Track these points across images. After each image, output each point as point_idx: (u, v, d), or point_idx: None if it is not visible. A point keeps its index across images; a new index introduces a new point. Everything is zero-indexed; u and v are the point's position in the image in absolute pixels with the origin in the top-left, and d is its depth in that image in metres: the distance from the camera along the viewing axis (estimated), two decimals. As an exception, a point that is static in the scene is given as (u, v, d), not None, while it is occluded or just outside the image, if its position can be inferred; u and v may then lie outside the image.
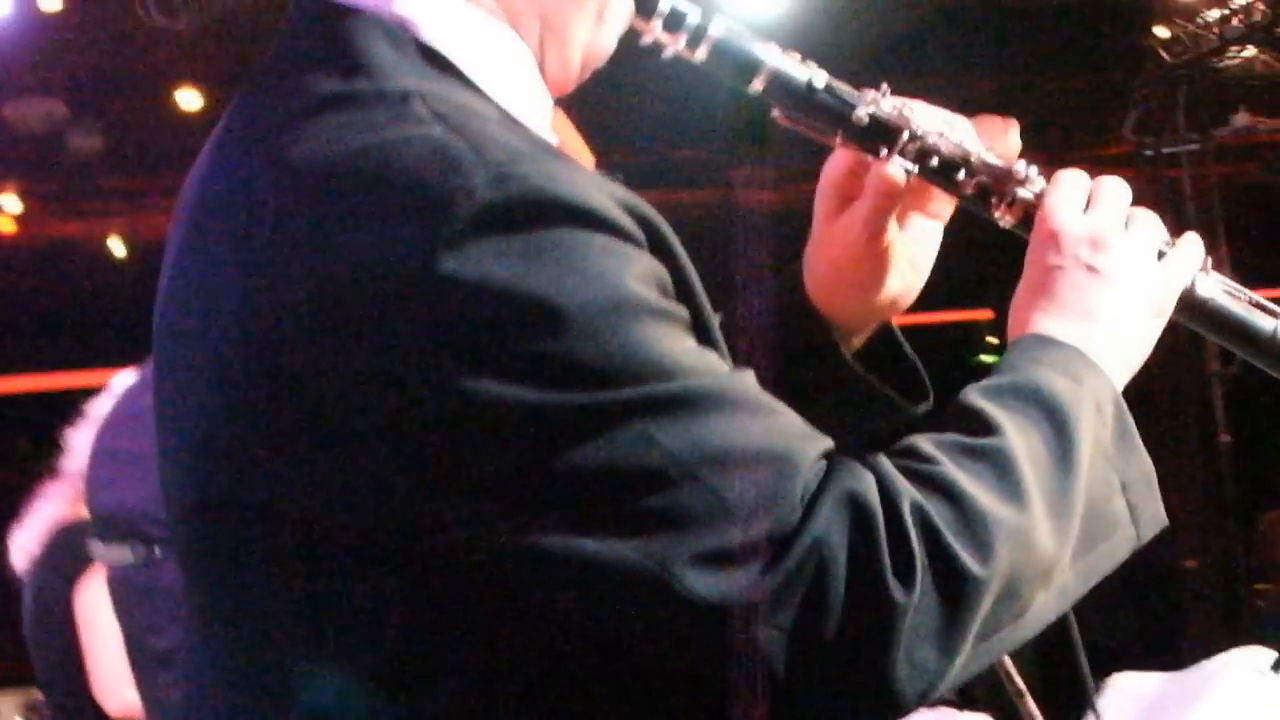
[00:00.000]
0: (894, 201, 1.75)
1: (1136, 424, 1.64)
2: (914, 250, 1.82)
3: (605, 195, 1.42)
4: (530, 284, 1.36)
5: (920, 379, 1.85)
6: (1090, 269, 1.67)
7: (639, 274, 1.41)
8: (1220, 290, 1.77)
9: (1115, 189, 1.73)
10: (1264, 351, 1.78)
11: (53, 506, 4.28)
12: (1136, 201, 1.75)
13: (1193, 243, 1.76)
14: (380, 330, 1.37)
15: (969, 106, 1.80)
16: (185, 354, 1.51)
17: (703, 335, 1.48)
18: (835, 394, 1.79)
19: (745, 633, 1.38)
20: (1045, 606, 1.53)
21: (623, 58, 1.66)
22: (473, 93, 1.51)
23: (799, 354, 1.80)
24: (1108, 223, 1.69)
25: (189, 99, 8.14)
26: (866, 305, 1.81)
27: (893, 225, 1.77)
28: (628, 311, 1.39)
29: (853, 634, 1.40)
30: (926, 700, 1.45)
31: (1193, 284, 1.75)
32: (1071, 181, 1.73)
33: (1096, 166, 1.77)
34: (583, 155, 1.68)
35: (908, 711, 1.43)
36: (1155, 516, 1.65)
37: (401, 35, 1.51)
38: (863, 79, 1.75)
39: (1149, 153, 8.47)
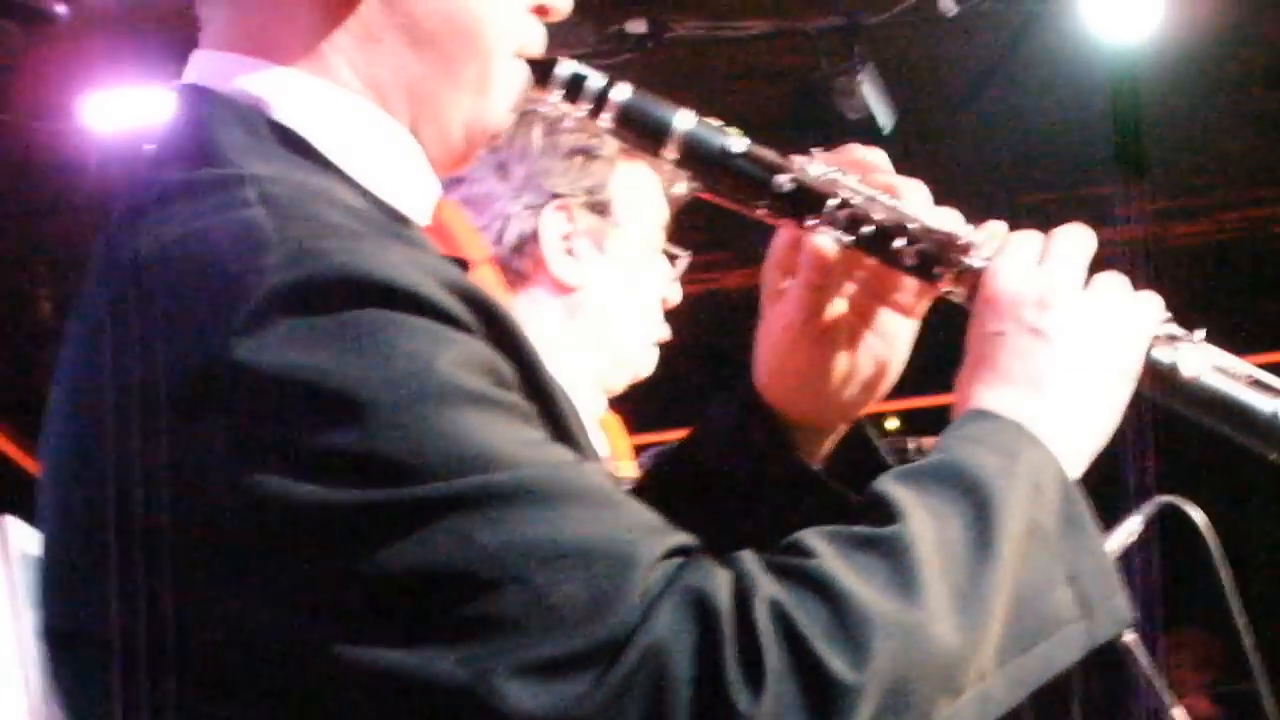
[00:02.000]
0: (824, 276, 1.59)
1: None
2: (879, 347, 1.65)
3: (431, 277, 1.31)
4: (328, 370, 1.25)
5: None
6: (1034, 331, 1.50)
7: (458, 359, 1.29)
8: (1209, 367, 1.56)
9: (1070, 243, 1.56)
10: (1261, 435, 1.56)
11: None
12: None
13: (1149, 300, 1.57)
14: (178, 428, 1.27)
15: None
16: (43, 463, 1.44)
17: (553, 427, 1.36)
18: (799, 502, 1.62)
19: None
20: (955, 716, 1.34)
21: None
22: (326, 174, 1.43)
23: (752, 455, 1.66)
24: (1055, 280, 1.52)
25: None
26: (819, 399, 1.65)
27: (839, 312, 1.62)
28: (439, 399, 1.26)
29: None
30: None
31: (1174, 362, 1.56)
32: (1020, 241, 1.56)
33: None
34: (468, 240, 1.60)
35: None
36: (1116, 610, 1.46)
37: (255, 117, 1.44)
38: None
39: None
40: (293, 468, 1.24)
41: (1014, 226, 1.60)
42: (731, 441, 1.67)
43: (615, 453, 2.55)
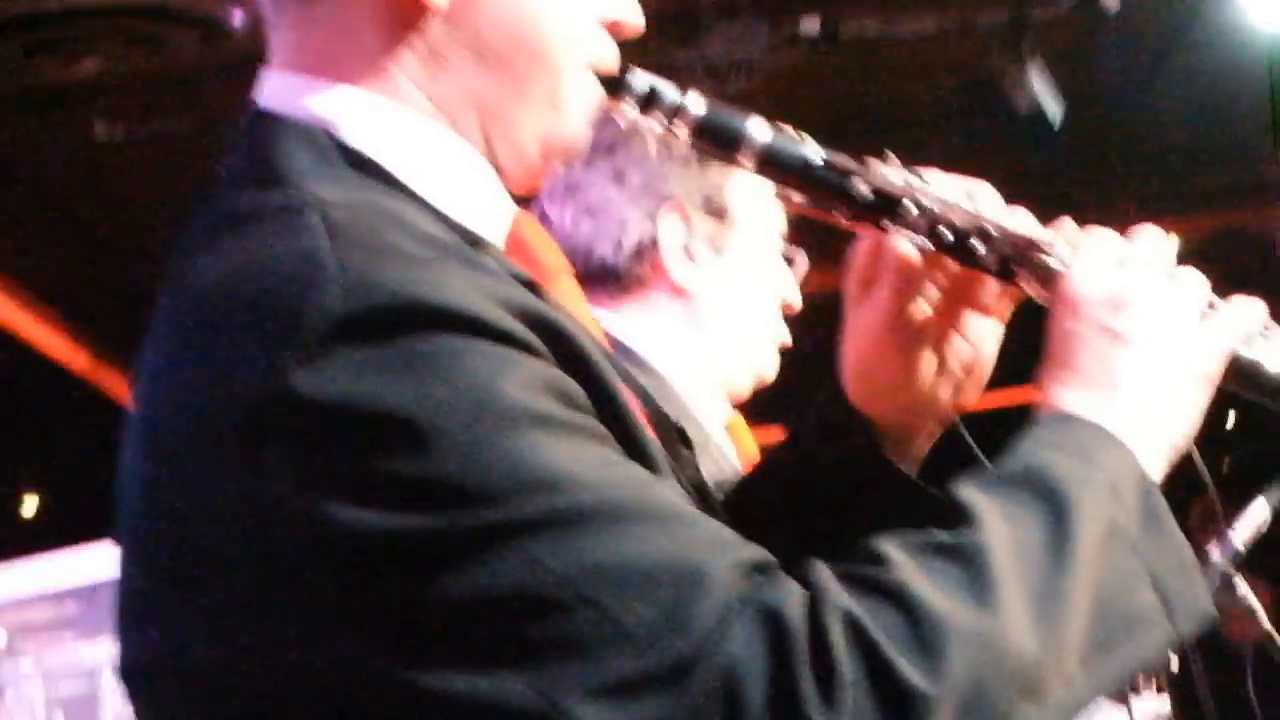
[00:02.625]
0: (909, 281, 1.60)
1: None
2: (965, 349, 1.66)
3: (495, 301, 1.31)
4: (389, 398, 1.25)
5: None
6: (1112, 333, 1.49)
7: (523, 381, 1.29)
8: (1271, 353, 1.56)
9: (1150, 244, 1.56)
10: None
11: None
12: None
13: (1243, 302, 1.57)
14: (242, 461, 1.28)
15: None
16: (120, 496, 1.45)
17: (629, 447, 1.37)
18: (894, 506, 1.62)
19: None
20: (1039, 719, 1.33)
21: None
22: (397, 196, 1.43)
23: (845, 463, 1.67)
24: (1134, 282, 1.52)
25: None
26: (908, 403, 1.66)
27: (923, 316, 1.63)
28: (503, 422, 1.26)
29: None
30: None
31: (1258, 359, 1.56)
32: (1098, 241, 1.56)
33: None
34: (549, 255, 1.61)
35: None
36: (1195, 607, 1.45)
37: (323, 141, 1.44)
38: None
39: None
40: (358, 497, 1.25)
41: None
42: (825, 448, 1.69)
43: (743, 454, 2.56)
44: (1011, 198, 1.61)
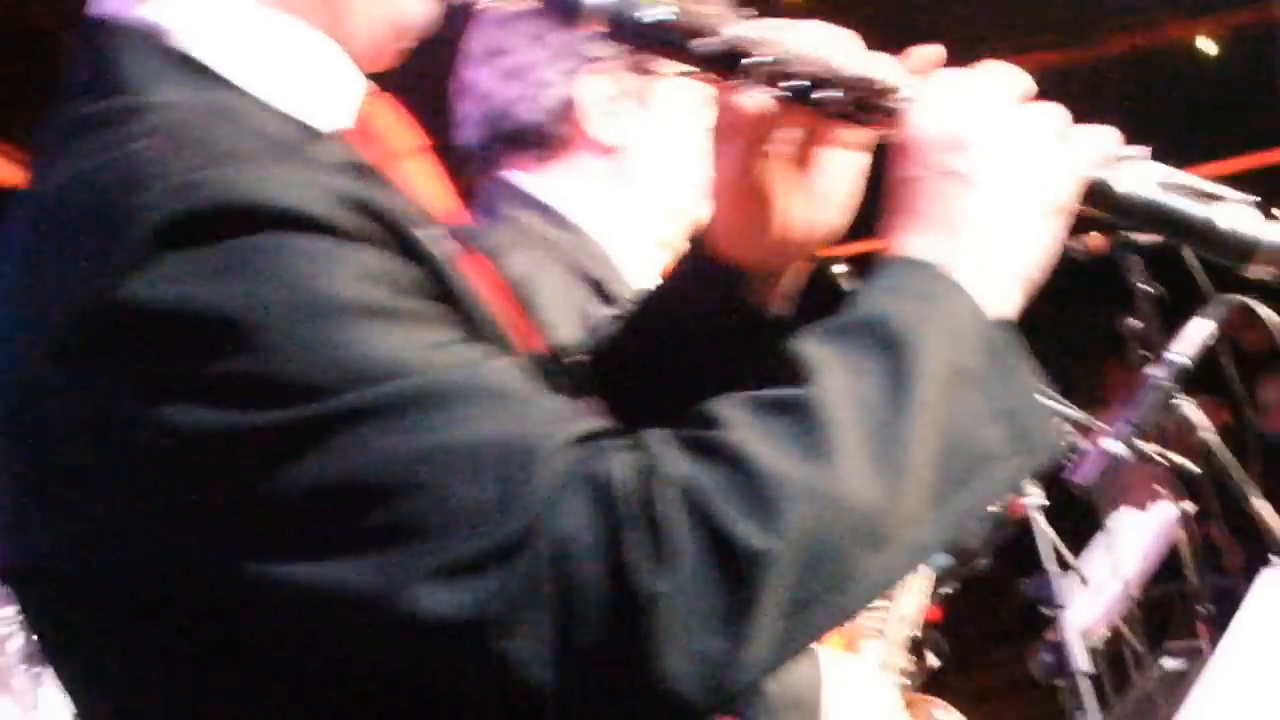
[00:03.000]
0: (761, 130, 1.60)
1: None
2: (828, 187, 1.66)
3: (322, 194, 1.33)
4: (215, 299, 1.28)
5: None
6: (953, 174, 1.49)
7: (351, 272, 1.31)
8: (1147, 181, 1.56)
9: (996, 79, 1.54)
10: (1201, 241, 1.56)
11: None
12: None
13: (1097, 130, 1.55)
14: (81, 369, 1.32)
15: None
16: None
17: (464, 324, 1.40)
18: (760, 348, 1.60)
19: (496, 647, 1.27)
20: (886, 566, 1.36)
21: None
22: (233, 94, 1.44)
23: (705, 303, 1.69)
24: (975, 120, 1.50)
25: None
26: (772, 245, 1.66)
27: (781, 161, 1.63)
28: (331, 314, 1.29)
29: (611, 634, 1.26)
30: (727, 693, 1.29)
31: (1107, 178, 1.55)
32: (942, 80, 1.55)
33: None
34: (397, 136, 1.62)
35: (701, 710, 1.29)
36: (1048, 440, 1.47)
37: (157, 44, 1.45)
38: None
39: None
40: (191, 398, 1.28)
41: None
42: (687, 298, 1.71)
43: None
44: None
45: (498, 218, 2.53)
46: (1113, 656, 3.79)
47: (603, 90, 2.51)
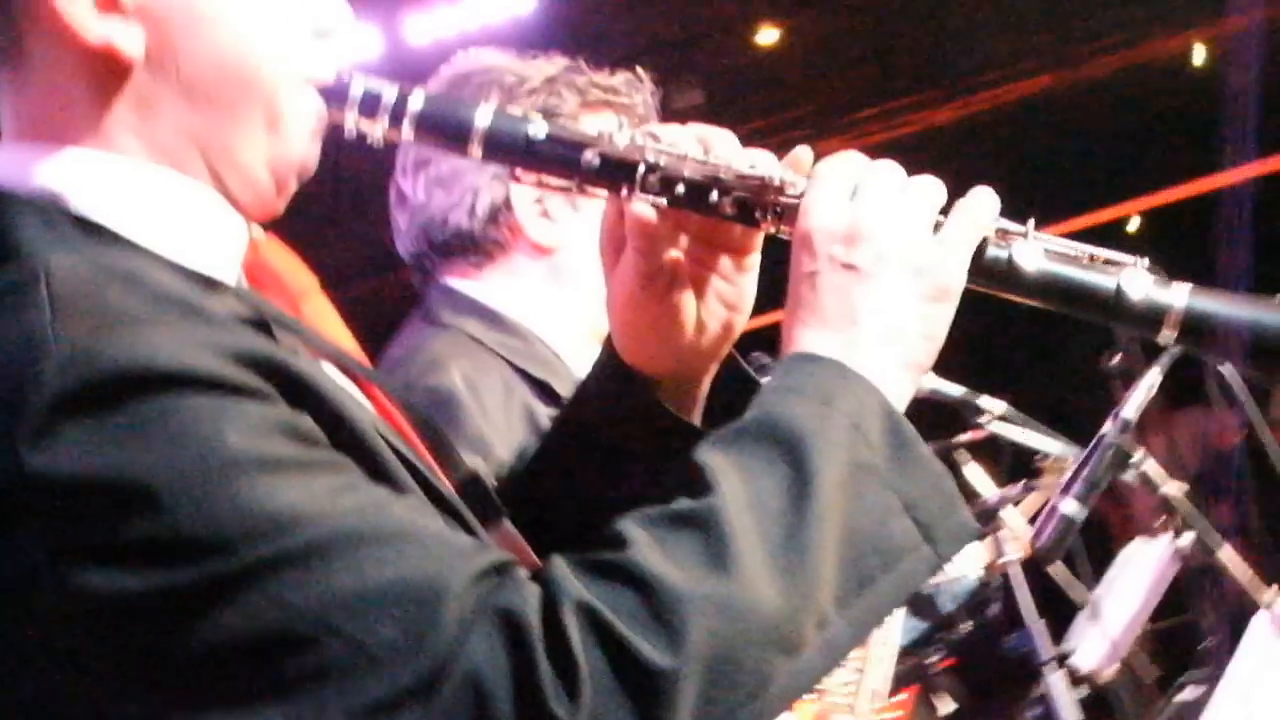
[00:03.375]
0: (654, 239, 1.60)
1: None
2: (725, 289, 1.66)
3: (213, 351, 1.35)
4: (117, 465, 1.30)
5: None
6: (847, 267, 1.49)
7: (246, 426, 1.33)
8: (1043, 254, 1.54)
9: (884, 170, 1.54)
10: (1112, 313, 1.54)
11: None
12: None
13: (976, 203, 1.54)
14: None
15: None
16: None
17: (367, 467, 1.40)
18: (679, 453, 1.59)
19: None
20: (800, 669, 1.36)
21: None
22: (129, 252, 1.46)
23: (623, 416, 1.68)
24: (867, 210, 1.50)
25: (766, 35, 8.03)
26: (678, 351, 1.66)
27: (675, 268, 1.63)
28: (230, 470, 1.31)
29: None
30: None
31: (1010, 254, 1.54)
32: (830, 173, 1.55)
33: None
34: (296, 276, 1.62)
35: None
36: (958, 528, 1.46)
37: (50, 209, 1.46)
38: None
39: None
40: (105, 561, 1.30)
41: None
42: (605, 407, 1.70)
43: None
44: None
45: (440, 325, 2.53)
46: (1135, 687, 3.75)
47: (533, 192, 2.50)
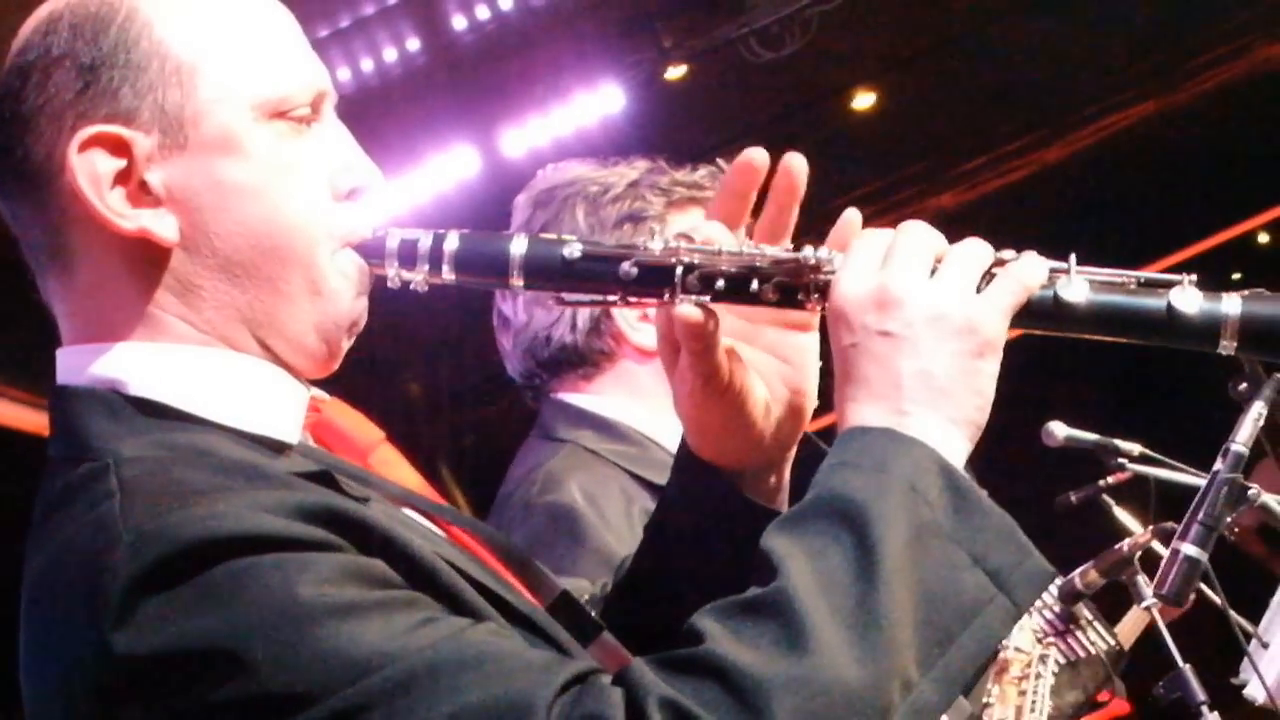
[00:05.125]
0: (706, 336, 1.62)
1: None
2: (788, 373, 1.68)
3: (278, 512, 1.41)
4: (198, 634, 1.37)
5: None
6: (883, 334, 1.52)
7: (317, 577, 1.39)
8: (1087, 287, 1.56)
9: (912, 235, 1.57)
10: (1169, 333, 1.55)
11: None
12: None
13: (1021, 261, 1.56)
14: None
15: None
16: None
17: (444, 600, 1.46)
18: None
19: None
20: None
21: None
22: (193, 428, 1.53)
23: (709, 512, 1.70)
24: (897, 277, 1.53)
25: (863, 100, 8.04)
26: (750, 441, 1.68)
27: (735, 359, 1.65)
28: (308, 621, 1.37)
29: None
30: None
31: (1054, 293, 1.56)
32: (862, 245, 1.58)
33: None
34: (361, 430, 1.67)
35: None
36: (1032, 572, 1.48)
37: (114, 400, 1.54)
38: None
39: None
40: None
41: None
42: (689, 506, 1.73)
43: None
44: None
45: (556, 440, 2.58)
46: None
47: None
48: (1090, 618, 3.54)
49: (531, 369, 2.63)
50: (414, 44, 6.39)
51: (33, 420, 6.50)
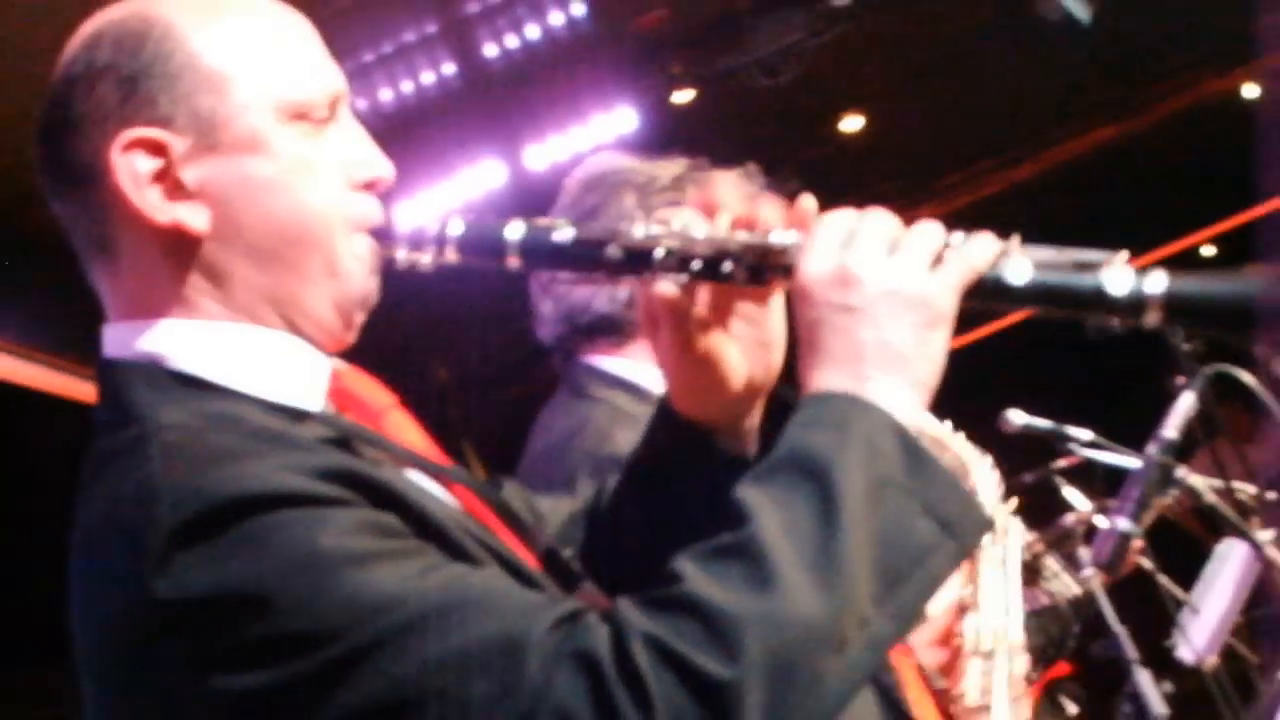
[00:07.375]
0: (681, 311, 1.65)
1: None
2: (759, 335, 1.70)
3: (301, 472, 1.44)
4: (230, 581, 1.40)
5: None
6: (844, 309, 1.53)
7: (336, 530, 1.42)
8: (1030, 267, 1.56)
9: (871, 219, 1.57)
10: (1100, 307, 1.54)
11: None
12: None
13: (972, 242, 1.57)
14: (137, 660, 1.44)
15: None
16: None
17: (445, 548, 1.49)
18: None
19: None
20: (850, 664, 1.41)
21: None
22: (226, 398, 1.56)
23: (689, 464, 1.72)
24: (857, 256, 1.54)
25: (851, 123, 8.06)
26: (726, 398, 1.70)
27: (710, 328, 1.67)
28: (328, 569, 1.40)
29: None
30: None
31: (999, 273, 1.56)
32: (823, 228, 1.58)
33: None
34: (375, 396, 1.70)
35: None
36: (976, 519, 1.50)
37: (156, 371, 1.57)
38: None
39: None
40: (235, 665, 1.40)
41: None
42: (666, 460, 1.75)
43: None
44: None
45: (591, 398, 2.58)
46: (1237, 676, 3.69)
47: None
48: (1057, 570, 3.57)
49: (567, 333, 2.63)
50: (449, 68, 6.45)
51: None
